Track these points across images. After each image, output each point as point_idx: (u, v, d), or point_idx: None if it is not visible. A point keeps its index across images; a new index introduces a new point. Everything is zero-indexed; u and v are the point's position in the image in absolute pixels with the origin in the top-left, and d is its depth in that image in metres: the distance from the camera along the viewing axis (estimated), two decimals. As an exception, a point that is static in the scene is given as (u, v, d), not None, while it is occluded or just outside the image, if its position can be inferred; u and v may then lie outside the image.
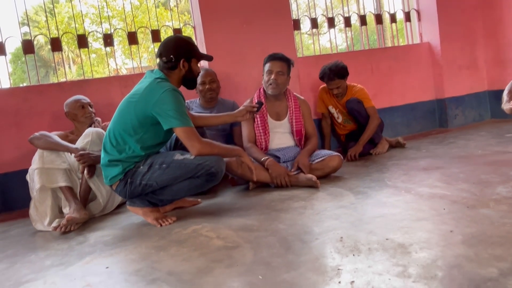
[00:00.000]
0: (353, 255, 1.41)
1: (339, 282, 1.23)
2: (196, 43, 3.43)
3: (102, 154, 2.09)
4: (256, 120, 2.74)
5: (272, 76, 2.68)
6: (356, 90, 3.32)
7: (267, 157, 2.58)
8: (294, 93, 2.89)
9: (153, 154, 2.09)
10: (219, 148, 2.11)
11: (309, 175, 2.47)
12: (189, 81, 2.17)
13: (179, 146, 2.26)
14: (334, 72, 3.22)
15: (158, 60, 2.13)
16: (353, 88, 3.34)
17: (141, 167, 2.03)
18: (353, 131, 3.42)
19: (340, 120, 3.44)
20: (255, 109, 2.36)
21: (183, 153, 2.04)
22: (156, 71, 2.10)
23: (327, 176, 2.64)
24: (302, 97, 2.94)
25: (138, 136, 2.02)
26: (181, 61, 2.09)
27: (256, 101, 2.75)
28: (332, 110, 3.45)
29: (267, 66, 2.73)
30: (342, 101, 3.35)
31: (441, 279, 1.18)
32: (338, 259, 1.39)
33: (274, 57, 2.72)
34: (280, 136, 2.81)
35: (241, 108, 2.39)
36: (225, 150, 2.16)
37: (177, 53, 2.07)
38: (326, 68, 3.27)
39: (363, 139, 3.19)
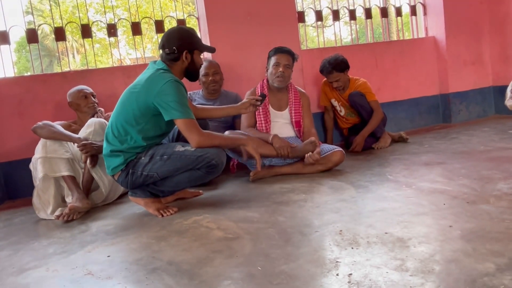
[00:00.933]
0: (352, 248, 1.43)
1: (337, 275, 1.24)
2: (199, 35, 3.44)
3: (104, 145, 2.10)
4: (258, 108, 2.76)
5: (280, 69, 2.72)
6: (359, 84, 3.31)
7: (271, 134, 2.67)
8: (295, 86, 2.93)
9: (154, 145, 2.10)
10: (220, 139, 2.11)
11: (307, 140, 2.62)
12: (192, 73, 2.17)
13: (181, 137, 2.26)
14: (333, 65, 3.21)
15: (161, 51, 2.13)
16: (356, 82, 3.33)
17: (143, 158, 2.04)
18: (355, 125, 3.42)
19: (342, 113, 3.44)
20: (258, 102, 2.37)
21: (184, 144, 2.05)
22: (159, 62, 2.10)
23: (329, 170, 2.65)
24: (303, 90, 2.98)
25: (140, 126, 2.03)
26: (184, 53, 2.08)
27: (259, 91, 2.79)
28: (335, 103, 3.44)
29: (274, 58, 2.75)
30: (345, 94, 3.34)
31: (438, 273, 1.19)
32: (336, 252, 1.41)
33: (281, 50, 2.75)
34: (281, 126, 2.85)
35: (244, 100, 2.39)
36: (227, 140, 2.17)
37: (180, 44, 2.06)
38: (326, 62, 3.27)
39: (365, 132, 3.19)
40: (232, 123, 3.08)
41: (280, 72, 2.72)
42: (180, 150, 2.02)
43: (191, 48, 2.10)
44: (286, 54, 2.74)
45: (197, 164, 2.02)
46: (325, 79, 3.45)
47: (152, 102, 1.98)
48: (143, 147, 2.06)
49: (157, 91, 1.96)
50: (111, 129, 2.07)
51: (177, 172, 2.04)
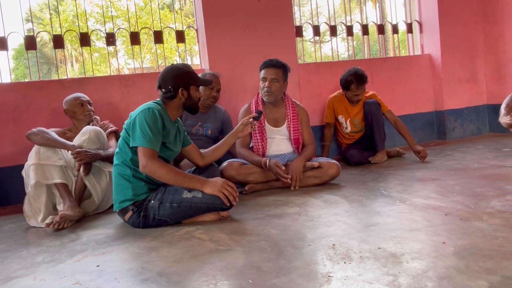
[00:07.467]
0: (345, 262, 1.41)
1: (329, 289, 1.23)
2: (198, 46, 3.47)
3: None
4: (255, 128, 2.72)
5: (266, 84, 2.68)
6: (370, 95, 3.37)
7: (262, 159, 2.61)
8: (293, 100, 2.88)
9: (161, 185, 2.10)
10: (171, 177, 1.97)
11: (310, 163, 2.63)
12: (190, 107, 2.19)
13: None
14: (363, 76, 3.24)
15: (159, 91, 2.16)
16: (366, 93, 3.37)
17: (152, 201, 2.02)
18: (355, 140, 3.44)
19: (348, 130, 3.43)
20: (252, 119, 2.36)
21: (190, 189, 2.02)
22: (157, 101, 2.15)
23: (324, 184, 2.64)
24: (301, 105, 2.92)
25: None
26: (180, 90, 2.11)
27: (253, 108, 2.76)
28: (342, 120, 3.43)
29: (262, 73, 2.72)
30: (356, 107, 3.36)
31: (431, 290, 1.18)
32: (329, 266, 1.39)
33: (268, 64, 2.70)
34: (278, 143, 2.80)
35: (238, 124, 2.39)
36: (178, 180, 1.99)
37: (175, 83, 2.10)
38: (351, 75, 3.24)
39: (412, 141, 3.27)
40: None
41: (267, 88, 2.67)
42: (188, 197, 1.99)
43: (186, 84, 2.13)
44: (273, 68, 2.67)
45: (208, 211, 2.03)
46: (334, 95, 3.43)
47: (127, 130, 2.05)
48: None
49: (131, 120, 2.03)
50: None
51: (190, 217, 2.05)
